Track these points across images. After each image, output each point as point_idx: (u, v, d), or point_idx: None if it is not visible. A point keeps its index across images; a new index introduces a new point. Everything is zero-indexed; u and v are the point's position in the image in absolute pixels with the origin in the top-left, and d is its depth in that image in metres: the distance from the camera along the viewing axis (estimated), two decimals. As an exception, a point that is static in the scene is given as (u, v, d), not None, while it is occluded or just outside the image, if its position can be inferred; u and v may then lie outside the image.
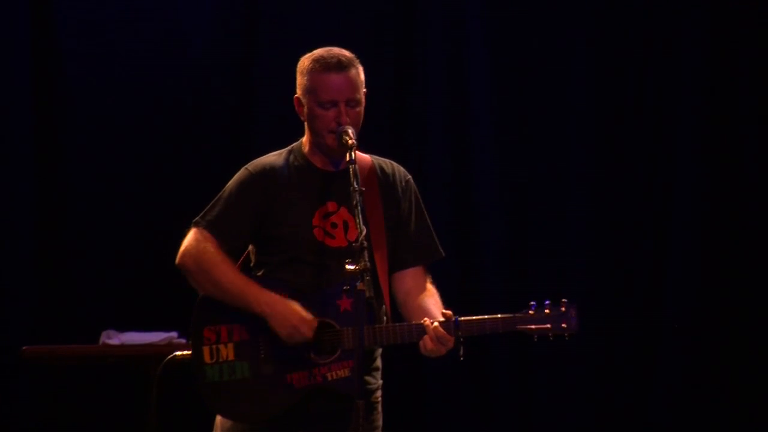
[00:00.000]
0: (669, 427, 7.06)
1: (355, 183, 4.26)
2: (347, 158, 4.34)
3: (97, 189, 7.06)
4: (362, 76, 4.50)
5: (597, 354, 7.07)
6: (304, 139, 4.59)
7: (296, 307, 4.38)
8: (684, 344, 7.05)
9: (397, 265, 4.56)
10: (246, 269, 4.59)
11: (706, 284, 7.06)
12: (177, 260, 4.50)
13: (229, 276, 4.44)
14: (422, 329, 4.36)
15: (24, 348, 6.18)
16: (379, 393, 4.58)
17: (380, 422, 4.58)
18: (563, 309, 4.40)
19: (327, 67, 4.46)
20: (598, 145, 7.17)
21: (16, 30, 7.00)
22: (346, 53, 4.50)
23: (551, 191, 7.17)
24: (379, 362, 4.59)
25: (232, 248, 4.52)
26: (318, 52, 4.51)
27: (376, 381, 4.57)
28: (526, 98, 7.20)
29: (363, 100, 4.50)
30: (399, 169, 4.64)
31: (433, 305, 4.49)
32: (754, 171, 7.06)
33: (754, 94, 7.06)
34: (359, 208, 4.23)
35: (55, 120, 7.07)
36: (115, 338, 6.32)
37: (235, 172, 4.61)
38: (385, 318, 4.50)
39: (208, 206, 4.55)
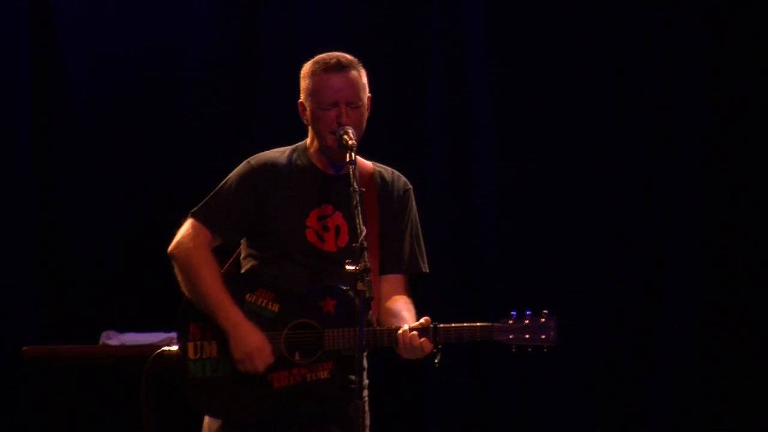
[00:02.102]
0: (669, 427, 7.06)
1: (354, 183, 4.27)
2: (347, 158, 4.36)
3: (97, 189, 7.06)
4: (364, 79, 4.54)
5: (597, 354, 7.07)
6: (308, 140, 4.61)
7: (259, 337, 4.41)
8: (684, 344, 7.04)
9: (380, 270, 4.58)
10: (238, 261, 4.62)
11: (706, 284, 7.06)
12: (169, 249, 4.55)
13: (207, 283, 4.48)
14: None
15: (24, 348, 6.18)
16: (365, 392, 4.59)
17: (368, 421, 4.58)
18: (543, 320, 4.37)
19: (327, 69, 4.50)
20: (598, 145, 7.16)
21: (16, 30, 7.00)
22: (348, 56, 4.55)
23: (551, 192, 7.16)
24: (365, 362, 4.59)
25: (227, 240, 4.57)
26: (320, 55, 4.57)
27: (363, 380, 4.57)
28: (526, 99, 7.20)
29: (365, 102, 4.53)
30: (399, 179, 4.66)
31: (404, 309, 4.51)
32: (754, 171, 7.05)
33: (754, 93, 7.05)
34: (359, 208, 4.24)
35: (55, 120, 7.07)
36: (115, 338, 6.32)
37: (236, 174, 4.63)
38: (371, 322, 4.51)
39: (208, 197, 4.59)
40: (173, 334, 6.19)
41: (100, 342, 6.33)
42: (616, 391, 7.08)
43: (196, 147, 7.10)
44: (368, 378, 4.60)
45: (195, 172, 6.99)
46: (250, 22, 7.17)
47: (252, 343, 4.40)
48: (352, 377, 4.51)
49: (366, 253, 4.13)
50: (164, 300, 6.33)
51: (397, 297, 4.56)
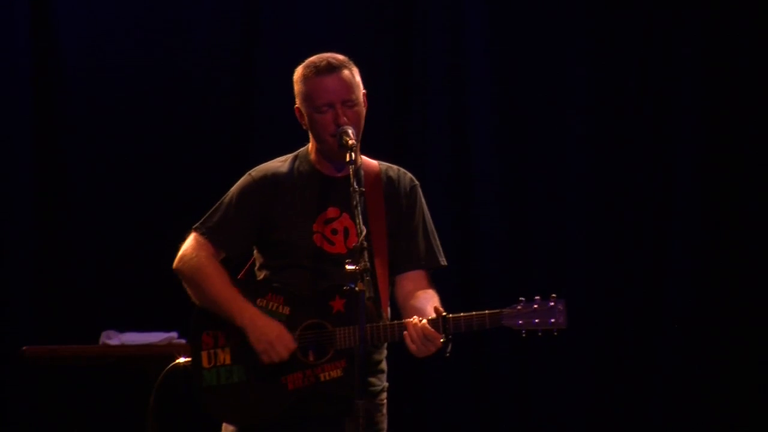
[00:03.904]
0: (668, 427, 7.06)
1: (355, 183, 4.27)
2: (347, 158, 4.34)
3: (97, 189, 7.06)
4: (358, 77, 4.51)
5: (597, 353, 7.07)
6: (310, 145, 4.60)
7: (277, 325, 4.40)
8: (684, 344, 7.04)
9: (398, 269, 4.57)
10: (252, 271, 4.61)
11: (706, 283, 7.05)
12: (174, 265, 4.54)
13: (216, 287, 4.47)
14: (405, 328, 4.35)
15: (24, 348, 6.18)
16: (384, 395, 4.58)
17: (385, 425, 4.57)
18: (552, 304, 4.37)
19: (318, 72, 4.48)
20: (598, 142, 7.17)
21: (16, 30, 7.00)
22: (338, 56, 4.52)
23: (551, 189, 7.17)
24: (384, 365, 4.58)
25: (231, 254, 4.55)
26: (310, 59, 4.54)
27: (381, 383, 4.57)
28: (526, 96, 7.20)
29: (361, 100, 4.51)
30: (405, 176, 4.64)
31: (428, 303, 4.47)
32: (754, 170, 7.05)
33: (754, 93, 7.05)
34: (359, 208, 4.24)
35: (55, 120, 7.07)
36: (115, 338, 6.31)
37: (235, 173, 4.63)
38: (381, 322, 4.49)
39: (210, 211, 4.57)
40: (173, 334, 6.22)
41: (100, 342, 6.33)
42: (615, 390, 7.08)
43: (196, 146, 7.10)
44: (387, 381, 4.59)
45: (195, 172, 7.00)
46: (249, 23, 7.17)
47: (271, 331, 4.39)
48: (371, 379, 4.51)
49: (366, 253, 4.12)
50: (164, 300, 6.36)
51: (420, 292, 4.53)
